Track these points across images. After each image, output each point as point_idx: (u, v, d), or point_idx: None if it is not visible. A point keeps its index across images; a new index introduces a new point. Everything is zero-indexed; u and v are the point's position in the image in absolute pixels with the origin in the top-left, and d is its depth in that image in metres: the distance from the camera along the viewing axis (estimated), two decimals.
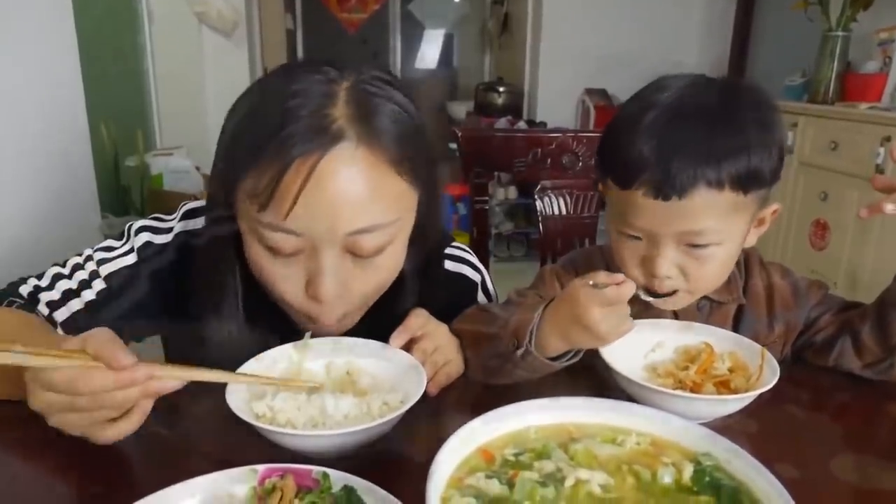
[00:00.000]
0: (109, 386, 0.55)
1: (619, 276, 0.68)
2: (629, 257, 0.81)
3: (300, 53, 5.64)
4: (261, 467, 0.54)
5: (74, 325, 0.78)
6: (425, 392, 0.65)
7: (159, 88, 3.67)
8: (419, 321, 0.78)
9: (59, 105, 1.85)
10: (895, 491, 0.63)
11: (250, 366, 0.70)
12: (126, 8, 3.41)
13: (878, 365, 0.81)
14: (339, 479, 0.53)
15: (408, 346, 0.76)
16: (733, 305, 0.89)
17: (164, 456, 0.65)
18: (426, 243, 0.83)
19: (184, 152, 3.21)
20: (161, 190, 2.96)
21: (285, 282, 0.72)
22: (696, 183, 0.73)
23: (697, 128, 0.74)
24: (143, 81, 3.60)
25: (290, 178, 0.64)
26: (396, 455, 0.64)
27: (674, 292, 0.81)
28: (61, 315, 0.79)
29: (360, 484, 0.52)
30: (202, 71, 3.83)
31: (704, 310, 0.89)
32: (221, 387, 0.63)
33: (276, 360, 0.72)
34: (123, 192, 3.01)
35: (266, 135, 0.65)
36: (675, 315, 0.88)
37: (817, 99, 2.87)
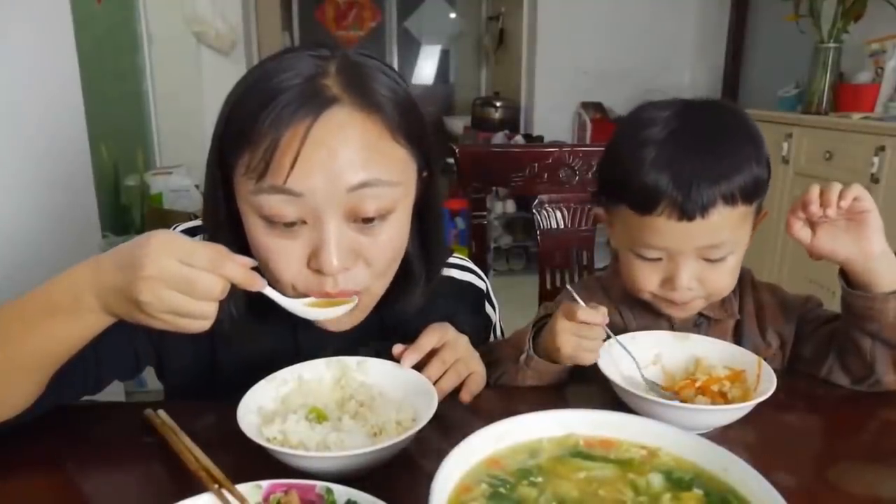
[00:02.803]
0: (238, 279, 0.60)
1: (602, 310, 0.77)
2: (647, 277, 0.84)
3: None
4: (265, 483, 0.55)
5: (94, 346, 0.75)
6: (446, 402, 0.66)
7: (158, 108, 3.69)
8: (432, 339, 0.76)
9: (60, 125, 1.87)
10: (892, 499, 0.64)
11: (261, 387, 0.70)
12: (125, 29, 3.44)
13: (865, 380, 0.83)
14: (342, 493, 0.54)
15: (428, 357, 0.76)
16: (730, 322, 0.91)
17: (170, 472, 0.65)
18: (429, 224, 0.83)
19: (183, 171, 3.22)
20: (161, 209, 2.97)
21: (284, 257, 0.70)
22: (716, 201, 0.77)
23: (702, 152, 0.79)
24: (143, 101, 3.62)
25: (286, 142, 0.65)
26: (403, 469, 0.64)
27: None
28: None
29: (363, 499, 0.53)
30: (201, 90, 3.85)
31: (702, 327, 0.91)
32: (232, 410, 0.64)
33: (285, 380, 0.72)
34: (123, 211, 3.02)
35: (260, 107, 0.67)
36: (672, 328, 0.90)
37: (811, 110, 2.89)
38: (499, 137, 4.26)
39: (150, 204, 3.00)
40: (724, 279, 0.84)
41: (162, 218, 2.80)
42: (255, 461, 0.60)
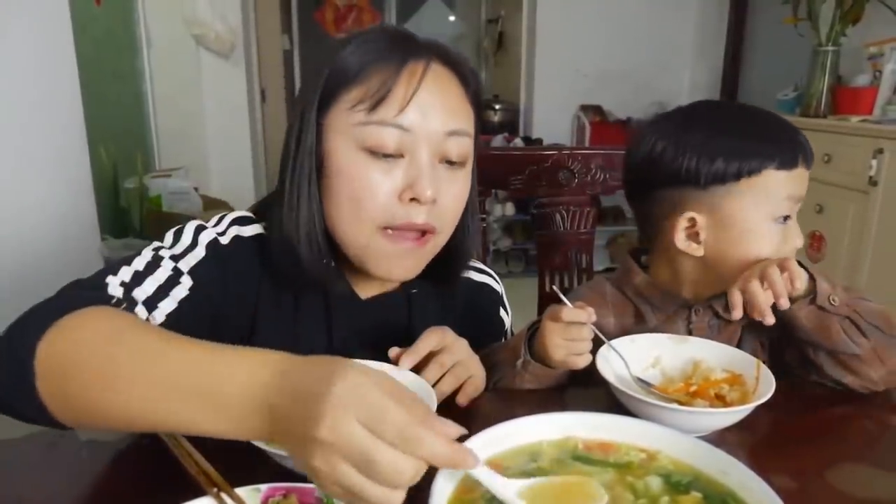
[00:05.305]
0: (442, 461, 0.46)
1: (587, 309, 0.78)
2: (780, 241, 0.85)
3: (297, 73, 5.69)
4: (264, 486, 0.55)
5: (174, 326, 0.70)
6: (446, 405, 0.66)
7: (158, 110, 3.69)
8: (430, 341, 0.77)
9: (59, 127, 1.87)
10: (891, 500, 0.64)
11: None
12: (125, 31, 3.44)
13: (838, 384, 0.84)
14: None
15: (427, 360, 0.77)
16: (738, 325, 0.92)
17: (169, 476, 0.65)
18: (467, 211, 0.85)
19: (182, 173, 3.23)
20: (160, 211, 2.97)
21: (377, 187, 0.74)
22: None
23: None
24: (142, 103, 3.62)
25: (404, 79, 0.74)
26: None
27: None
28: (159, 316, 0.72)
29: None
30: (200, 92, 3.86)
31: (714, 328, 0.91)
32: None
33: None
34: (123, 213, 3.02)
35: (376, 50, 0.76)
36: (690, 332, 0.91)
37: (809, 112, 2.90)
38: (498, 140, 4.27)
39: (149, 206, 3.00)
40: None
41: (161, 220, 2.80)
42: (255, 464, 0.60)
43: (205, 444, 0.64)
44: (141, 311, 0.71)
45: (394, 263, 0.78)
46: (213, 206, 3.08)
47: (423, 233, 0.77)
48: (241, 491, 0.55)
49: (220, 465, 0.59)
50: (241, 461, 0.60)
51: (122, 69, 3.42)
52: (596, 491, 0.53)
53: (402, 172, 0.75)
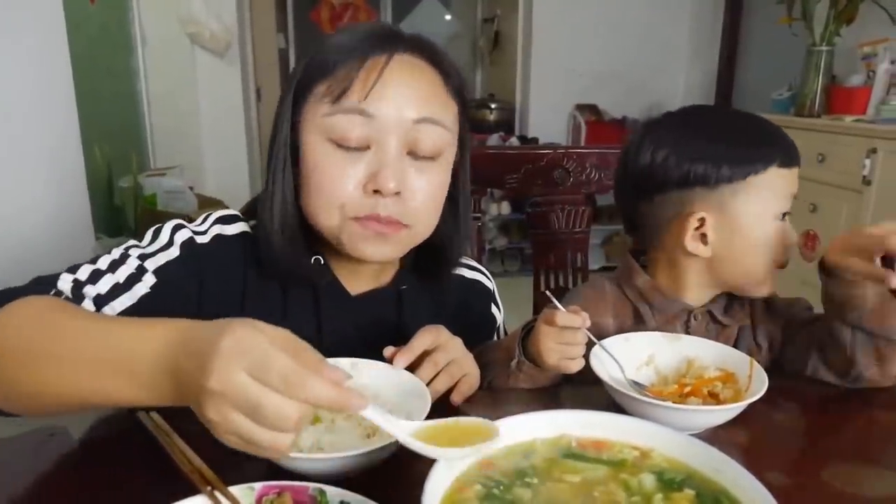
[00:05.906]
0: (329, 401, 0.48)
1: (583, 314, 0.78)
2: (778, 239, 0.88)
3: None
4: (258, 485, 0.55)
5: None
6: (440, 404, 0.66)
7: (152, 109, 3.69)
8: (425, 340, 0.77)
9: (53, 126, 1.86)
10: (885, 498, 0.64)
11: None
12: (119, 29, 3.44)
13: (848, 376, 0.84)
14: (335, 495, 0.54)
15: (421, 358, 0.76)
16: (736, 327, 0.93)
17: (162, 474, 0.65)
18: (460, 206, 0.86)
19: (177, 172, 3.22)
20: (155, 210, 2.96)
21: (342, 177, 0.74)
22: None
23: None
24: (137, 102, 3.62)
25: (369, 67, 0.74)
26: (397, 470, 0.64)
27: None
28: (110, 311, 0.73)
29: (356, 500, 0.53)
30: (195, 91, 3.85)
31: (712, 332, 0.92)
32: None
33: None
34: (117, 212, 3.01)
35: (343, 43, 0.76)
36: (687, 331, 0.92)
37: (804, 112, 2.91)
38: (494, 139, 4.27)
39: (144, 205, 3.00)
40: None
41: (156, 219, 2.79)
42: (249, 463, 0.60)
43: (199, 442, 0.64)
44: (88, 306, 0.72)
45: (368, 245, 0.77)
46: (209, 204, 3.07)
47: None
48: (234, 489, 0.54)
49: (214, 463, 0.59)
50: (235, 459, 0.60)
51: (117, 67, 3.41)
52: (490, 429, 0.55)
53: (366, 164, 0.75)
